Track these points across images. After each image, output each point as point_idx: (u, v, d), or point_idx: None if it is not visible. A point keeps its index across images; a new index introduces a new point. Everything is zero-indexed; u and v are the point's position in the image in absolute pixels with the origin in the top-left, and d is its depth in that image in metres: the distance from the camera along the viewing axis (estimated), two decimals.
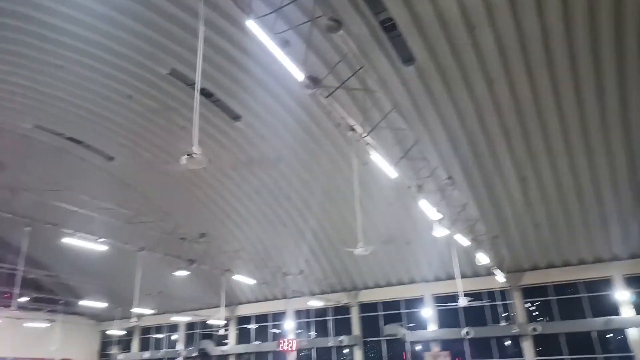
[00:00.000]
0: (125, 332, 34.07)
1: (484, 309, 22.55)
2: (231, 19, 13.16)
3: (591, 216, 18.43)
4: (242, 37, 13.55)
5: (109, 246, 17.00)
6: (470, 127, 15.85)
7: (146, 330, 34.56)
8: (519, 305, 21.67)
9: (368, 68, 10.21)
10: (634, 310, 19.29)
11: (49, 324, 30.77)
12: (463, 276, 20.98)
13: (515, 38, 12.87)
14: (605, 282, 20.17)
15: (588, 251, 20.08)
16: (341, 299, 25.73)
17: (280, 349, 24.72)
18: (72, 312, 33.98)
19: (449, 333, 22.61)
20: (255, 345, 28.59)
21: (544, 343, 20.82)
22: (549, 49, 13.08)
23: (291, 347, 24.54)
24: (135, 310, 23.13)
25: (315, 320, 27.29)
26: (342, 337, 25.00)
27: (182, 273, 20.21)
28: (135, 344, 34.68)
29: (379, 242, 20.90)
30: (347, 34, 9.44)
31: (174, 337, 32.93)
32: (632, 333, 19.09)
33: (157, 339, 33.99)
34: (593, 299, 20.36)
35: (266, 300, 28.75)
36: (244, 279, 22.52)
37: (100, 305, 26.98)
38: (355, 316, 25.60)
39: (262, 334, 28.92)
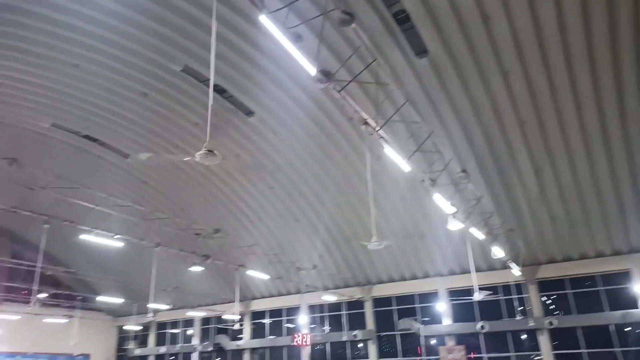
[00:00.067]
0: (141, 328, 34.57)
1: (499, 302, 22.35)
2: (244, 15, 13.19)
3: (609, 208, 18.11)
4: (254, 33, 13.57)
5: (125, 242, 17.23)
6: (485, 119, 15.67)
7: (162, 326, 35.02)
8: (534, 299, 21.47)
9: (381, 61, 10.12)
10: None
11: (67, 320, 31.39)
12: (478, 270, 20.86)
13: (531, 28, 12.66)
14: (624, 275, 19.86)
15: (606, 243, 19.76)
16: (355, 293, 25.76)
17: (295, 343, 24.82)
18: (89, 307, 34.55)
19: (464, 327, 22.50)
20: (269, 340, 28.79)
21: (560, 337, 20.61)
22: (565, 39, 12.85)
23: (305, 342, 24.64)
24: (152, 305, 23.45)
25: (329, 315, 27.34)
26: (356, 332, 25.03)
27: (197, 268, 20.38)
28: (151, 339, 35.18)
29: (393, 236, 20.86)
30: (360, 27, 9.36)
31: (189, 332, 33.30)
32: None
33: (173, 334, 34.41)
34: (610, 292, 20.07)
35: (280, 295, 28.90)
36: (258, 274, 22.63)
37: (117, 300, 27.41)
38: (369, 311, 25.61)
39: (276, 329, 29.08)
